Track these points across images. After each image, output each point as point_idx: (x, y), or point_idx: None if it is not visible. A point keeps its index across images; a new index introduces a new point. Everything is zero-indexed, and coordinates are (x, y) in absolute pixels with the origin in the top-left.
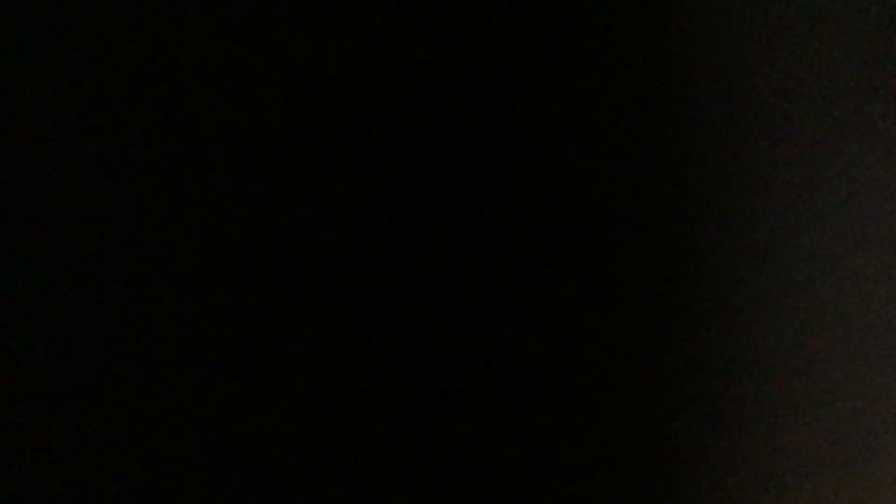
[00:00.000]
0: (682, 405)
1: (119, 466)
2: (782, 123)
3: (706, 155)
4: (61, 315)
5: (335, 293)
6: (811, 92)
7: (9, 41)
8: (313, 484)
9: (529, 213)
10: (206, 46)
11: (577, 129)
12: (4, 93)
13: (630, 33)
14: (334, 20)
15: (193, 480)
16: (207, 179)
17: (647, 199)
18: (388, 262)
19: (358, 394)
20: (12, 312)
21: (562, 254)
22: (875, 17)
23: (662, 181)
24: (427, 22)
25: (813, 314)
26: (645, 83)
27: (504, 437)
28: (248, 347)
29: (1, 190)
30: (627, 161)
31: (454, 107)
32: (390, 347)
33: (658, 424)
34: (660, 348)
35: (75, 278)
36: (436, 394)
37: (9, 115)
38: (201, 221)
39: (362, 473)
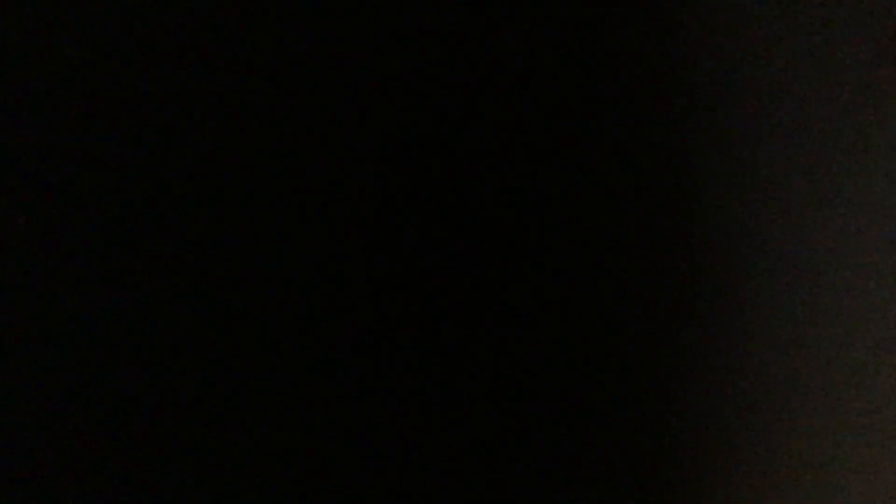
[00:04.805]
0: (681, 405)
1: (118, 466)
2: (782, 123)
3: (706, 155)
4: (61, 315)
5: (334, 294)
6: (811, 92)
7: (9, 41)
8: (312, 484)
9: (530, 214)
10: (205, 46)
11: (577, 129)
12: (4, 93)
13: (630, 33)
14: (334, 20)
15: (193, 480)
16: (206, 180)
17: (646, 199)
18: (387, 262)
19: (357, 394)
20: (12, 312)
21: (562, 255)
22: (875, 17)
23: (662, 181)
24: (426, 22)
25: (812, 314)
26: (645, 83)
27: (504, 437)
28: (247, 348)
29: (0, 189)
30: (628, 162)
31: (454, 107)
32: (389, 348)
33: (657, 425)
34: (660, 349)
35: (74, 278)
36: (435, 394)
37: (9, 115)
38: (200, 222)
39: (361, 473)
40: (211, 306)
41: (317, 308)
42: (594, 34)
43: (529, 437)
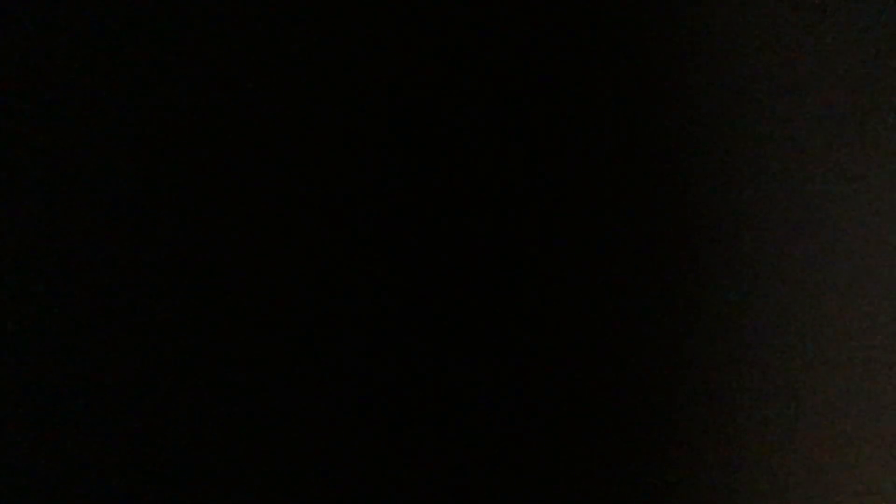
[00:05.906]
0: (681, 406)
1: (118, 466)
2: (782, 123)
3: (706, 155)
4: (60, 315)
5: (334, 294)
6: (810, 92)
7: (9, 41)
8: (312, 484)
9: (530, 214)
10: (205, 46)
11: (578, 129)
12: (4, 93)
13: (630, 33)
14: (334, 20)
15: (192, 481)
16: (206, 179)
17: (646, 199)
18: (386, 262)
19: (357, 394)
20: (12, 312)
21: (562, 255)
22: (875, 18)
23: (662, 181)
24: (426, 22)
25: (812, 314)
26: (645, 83)
27: (503, 438)
28: (246, 348)
29: (1, 190)
30: (627, 162)
31: (454, 107)
32: (388, 348)
33: (657, 425)
34: (659, 349)
35: (72, 278)
36: (435, 394)
37: (8, 115)
38: (200, 221)
39: (361, 474)
40: (211, 306)
41: (316, 308)
42: (595, 33)
43: (530, 437)
